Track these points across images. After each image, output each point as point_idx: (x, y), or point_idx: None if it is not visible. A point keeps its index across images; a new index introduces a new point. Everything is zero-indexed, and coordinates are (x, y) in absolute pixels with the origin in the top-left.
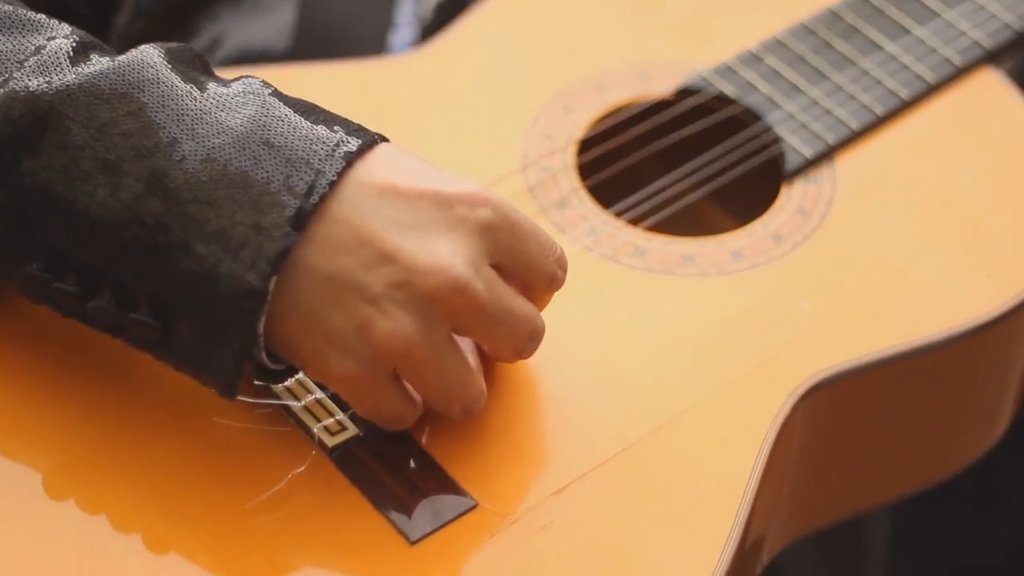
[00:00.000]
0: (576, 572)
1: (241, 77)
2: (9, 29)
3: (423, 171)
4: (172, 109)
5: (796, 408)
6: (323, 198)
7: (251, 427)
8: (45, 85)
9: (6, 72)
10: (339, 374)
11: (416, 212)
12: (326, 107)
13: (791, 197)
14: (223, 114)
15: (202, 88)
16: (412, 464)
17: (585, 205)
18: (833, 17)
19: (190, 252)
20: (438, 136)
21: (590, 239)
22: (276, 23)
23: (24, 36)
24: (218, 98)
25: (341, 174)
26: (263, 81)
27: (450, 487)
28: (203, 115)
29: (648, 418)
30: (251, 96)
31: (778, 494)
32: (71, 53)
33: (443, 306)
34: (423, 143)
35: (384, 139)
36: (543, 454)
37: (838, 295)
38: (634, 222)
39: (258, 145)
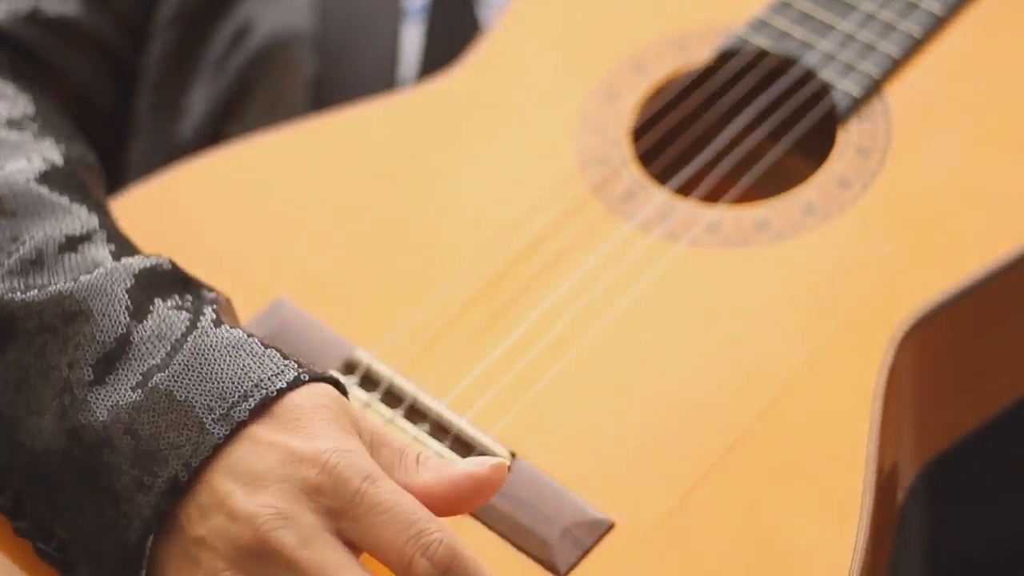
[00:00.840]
0: (727, 568)
1: (196, 309)
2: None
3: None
4: (102, 347)
5: (899, 353)
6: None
7: None
8: (15, 291)
9: None
10: None
11: (261, 460)
12: (373, 147)
13: (848, 139)
14: (135, 368)
15: (141, 323)
16: (538, 493)
17: (650, 193)
18: None
19: (80, 498)
20: (490, 155)
21: (663, 226)
22: (296, 7)
23: (24, 221)
24: (142, 347)
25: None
26: (214, 313)
27: (581, 510)
28: (125, 358)
29: (757, 397)
30: (172, 354)
31: (900, 432)
32: (55, 251)
33: (253, 557)
34: (476, 166)
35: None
36: (662, 454)
37: (915, 229)
38: (710, 196)
39: (164, 399)
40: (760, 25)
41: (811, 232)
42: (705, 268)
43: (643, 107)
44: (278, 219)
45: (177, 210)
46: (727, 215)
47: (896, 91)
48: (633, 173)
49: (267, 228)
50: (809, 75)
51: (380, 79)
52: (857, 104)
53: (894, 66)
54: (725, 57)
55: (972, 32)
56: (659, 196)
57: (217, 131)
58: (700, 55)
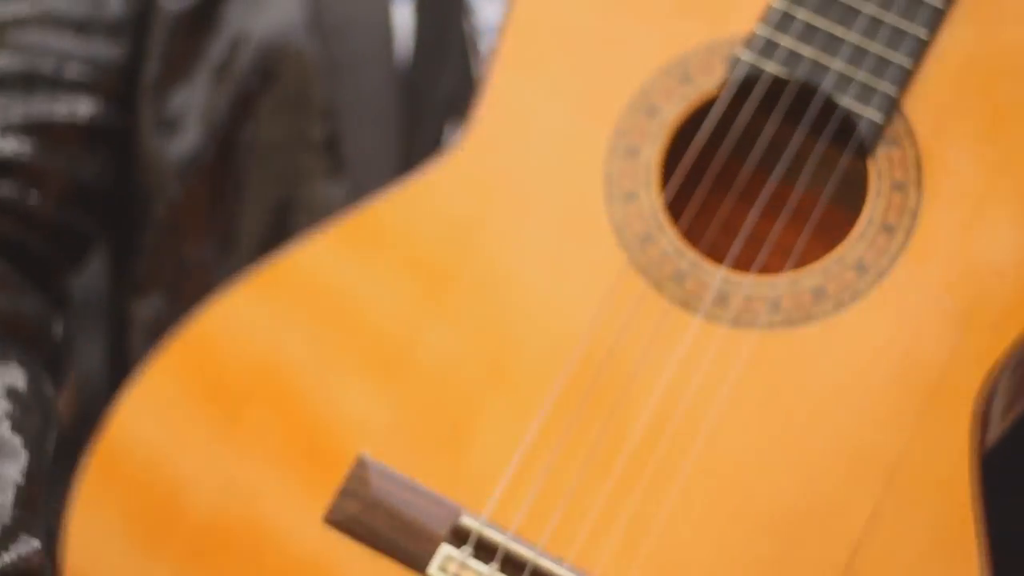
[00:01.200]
0: None
1: None
2: None
3: None
4: None
5: (983, 413)
6: None
7: None
8: None
9: None
10: None
11: None
12: (405, 256)
13: (880, 172)
14: None
15: None
16: None
17: (702, 269)
18: None
19: None
20: (528, 246)
21: (722, 310)
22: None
23: None
24: None
25: None
26: None
27: None
28: None
29: (863, 496)
30: None
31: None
32: None
33: None
34: (517, 263)
35: None
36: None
37: (968, 273)
38: (772, 263)
39: None
40: (764, 45)
41: (868, 295)
42: (779, 357)
43: (665, 158)
44: (327, 356)
45: (220, 364)
46: (782, 288)
47: (912, 104)
48: (676, 247)
49: (318, 369)
50: (829, 104)
51: (379, 61)
52: (881, 130)
53: (908, 76)
54: (737, 92)
55: (972, 21)
56: (709, 272)
57: (229, 135)
58: (708, 85)
